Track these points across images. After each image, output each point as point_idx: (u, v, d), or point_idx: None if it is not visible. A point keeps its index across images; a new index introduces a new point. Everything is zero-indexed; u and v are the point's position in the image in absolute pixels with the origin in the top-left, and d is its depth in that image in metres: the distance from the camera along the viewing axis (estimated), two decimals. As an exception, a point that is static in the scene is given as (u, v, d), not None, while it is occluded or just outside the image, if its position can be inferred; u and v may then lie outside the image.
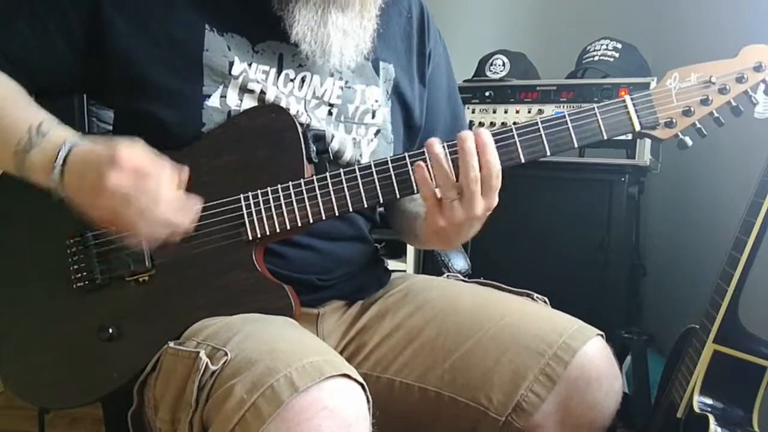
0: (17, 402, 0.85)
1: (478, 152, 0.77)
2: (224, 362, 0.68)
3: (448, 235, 0.82)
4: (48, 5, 0.83)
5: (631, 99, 0.81)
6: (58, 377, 0.83)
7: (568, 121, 0.80)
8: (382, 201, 0.81)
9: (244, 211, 0.81)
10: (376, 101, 0.94)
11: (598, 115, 0.80)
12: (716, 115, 0.81)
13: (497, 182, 0.77)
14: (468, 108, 1.83)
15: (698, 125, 0.81)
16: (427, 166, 0.78)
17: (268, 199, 0.81)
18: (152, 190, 0.72)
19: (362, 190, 0.81)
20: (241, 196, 0.81)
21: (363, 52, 0.87)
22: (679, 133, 0.81)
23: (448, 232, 0.81)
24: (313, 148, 0.85)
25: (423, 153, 0.80)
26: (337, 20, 0.84)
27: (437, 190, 0.78)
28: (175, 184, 0.75)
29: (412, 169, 0.79)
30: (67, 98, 1.11)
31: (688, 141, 0.82)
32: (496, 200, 0.78)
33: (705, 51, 1.76)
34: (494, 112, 1.81)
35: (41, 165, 0.76)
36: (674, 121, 0.81)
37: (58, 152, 0.75)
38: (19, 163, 0.77)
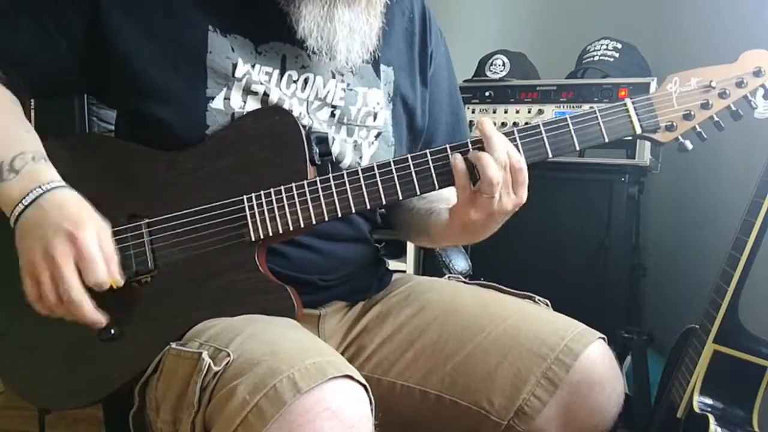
0: (17, 402, 0.85)
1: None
2: (227, 363, 0.68)
3: (475, 229, 0.83)
4: (48, 7, 0.83)
5: (632, 102, 0.81)
6: (59, 378, 0.83)
7: (570, 124, 0.81)
8: (384, 202, 0.81)
9: (247, 212, 0.81)
10: (378, 104, 0.94)
11: (599, 118, 0.81)
12: (716, 119, 0.82)
13: (524, 176, 0.79)
14: (468, 108, 1.83)
15: (698, 129, 0.82)
16: (466, 158, 0.79)
17: (271, 200, 0.81)
18: (83, 277, 0.74)
19: (365, 192, 0.81)
20: (244, 197, 0.81)
21: (369, 49, 0.87)
22: (680, 137, 0.82)
23: (477, 225, 0.81)
24: (316, 150, 0.85)
25: (425, 155, 0.81)
26: (344, 16, 0.83)
27: (474, 185, 0.78)
28: (106, 286, 0.76)
29: (450, 161, 0.79)
30: (68, 97, 1.11)
31: (689, 145, 0.82)
32: (525, 196, 0.80)
33: (705, 51, 1.76)
34: (494, 112, 1.81)
35: (5, 201, 0.77)
36: (675, 124, 0.81)
37: (22, 199, 0.76)
38: None
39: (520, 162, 0.78)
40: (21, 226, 0.76)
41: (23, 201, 0.75)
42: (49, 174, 0.78)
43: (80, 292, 0.74)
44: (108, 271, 0.76)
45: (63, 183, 0.78)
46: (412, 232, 1.02)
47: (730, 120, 0.82)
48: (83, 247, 0.74)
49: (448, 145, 0.81)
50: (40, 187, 0.76)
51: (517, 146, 0.80)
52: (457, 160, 0.79)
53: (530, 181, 0.80)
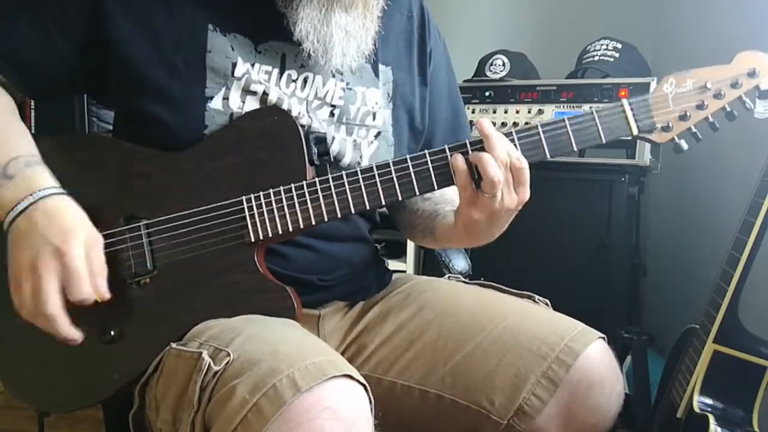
0: (17, 402, 0.85)
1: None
2: (227, 362, 0.68)
3: (479, 229, 0.83)
4: (49, 6, 0.83)
5: (629, 103, 0.82)
6: (59, 380, 0.83)
7: (567, 126, 0.81)
8: (384, 203, 0.81)
9: (247, 213, 0.81)
10: (377, 103, 0.94)
11: (596, 119, 0.81)
12: (711, 120, 0.82)
13: (526, 175, 0.79)
14: (468, 108, 1.83)
15: (694, 129, 0.82)
16: (466, 159, 0.78)
17: (270, 201, 0.81)
18: (67, 292, 0.73)
19: (364, 193, 0.81)
20: (243, 198, 0.81)
21: (364, 53, 0.87)
22: (675, 137, 0.83)
23: (481, 225, 0.81)
24: (315, 150, 0.85)
25: (425, 156, 0.81)
26: (341, 20, 0.84)
27: (475, 185, 0.78)
28: (91, 301, 0.74)
29: (450, 161, 0.79)
30: (67, 97, 1.11)
31: (684, 145, 0.83)
32: (527, 194, 0.80)
33: (705, 51, 1.76)
34: (494, 112, 1.81)
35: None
36: (671, 125, 0.82)
37: (13, 207, 0.74)
38: None
39: (521, 161, 0.78)
40: (11, 234, 0.75)
41: (15, 209, 0.74)
42: (42, 180, 0.76)
43: (56, 307, 0.72)
44: (93, 286, 0.74)
45: (57, 189, 0.76)
46: (417, 234, 1.02)
47: (725, 120, 0.83)
48: (69, 263, 0.72)
49: (447, 146, 0.81)
50: (31, 195, 0.74)
51: (515, 147, 0.80)
52: (458, 161, 0.79)
53: (530, 181, 0.80)
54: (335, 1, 0.83)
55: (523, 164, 0.78)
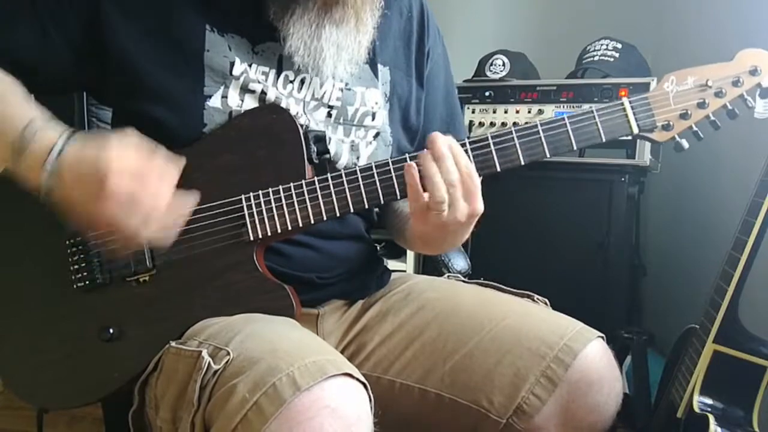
0: (17, 402, 0.85)
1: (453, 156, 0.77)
2: (226, 361, 0.68)
3: (433, 240, 0.83)
4: (48, 6, 0.83)
5: (630, 102, 0.81)
6: (58, 377, 0.83)
7: (567, 124, 0.81)
8: (383, 202, 0.81)
9: (246, 212, 0.81)
10: (376, 103, 0.94)
11: (596, 118, 0.81)
12: (713, 118, 0.82)
13: (475, 185, 0.77)
14: (468, 108, 1.83)
15: (695, 128, 0.82)
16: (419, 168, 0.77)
17: (270, 199, 0.81)
18: (153, 190, 0.72)
19: (363, 191, 0.81)
20: (242, 196, 0.81)
21: (358, 64, 0.88)
22: (676, 136, 0.82)
23: (432, 236, 0.81)
24: (314, 149, 0.85)
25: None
26: (331, 35, 0.84)
27: (426, 195, 0.77)
28: (173, 180, 0.74)
29: (403, 172, 0.78)
30: (67, 97, 1.11)
31: (685, 144, 0.83)
32: (480, 206, 0.78)
33: (705, 51, 1.76)
34: (494, 112, 1.81)
35: (31, 168, 0.74)
36: (671, 124, 0.82)
37: (48, 155, 0.74)
38: (14, 164, 0.76)
39: (470, 170, 0.76)
40: (59, 185, 0.73)
41: (46, 164, 0.73)
42: (60, 130, 0.76)
43: (151, 192, 0.72)
44: (164, 172, 0.73)
45: (72, 137, 0.75)
46: (395, 234, 1.03)
47: (727, 119, 0.82)
48: (128, 167, 0.71)
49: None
50: (56, 145, 0.74)
51: (514, 146, 0.80)
52: (410, 173, 0.77)
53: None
54: (326, 17, 0.83)
55: (472, 173, 0.77)
